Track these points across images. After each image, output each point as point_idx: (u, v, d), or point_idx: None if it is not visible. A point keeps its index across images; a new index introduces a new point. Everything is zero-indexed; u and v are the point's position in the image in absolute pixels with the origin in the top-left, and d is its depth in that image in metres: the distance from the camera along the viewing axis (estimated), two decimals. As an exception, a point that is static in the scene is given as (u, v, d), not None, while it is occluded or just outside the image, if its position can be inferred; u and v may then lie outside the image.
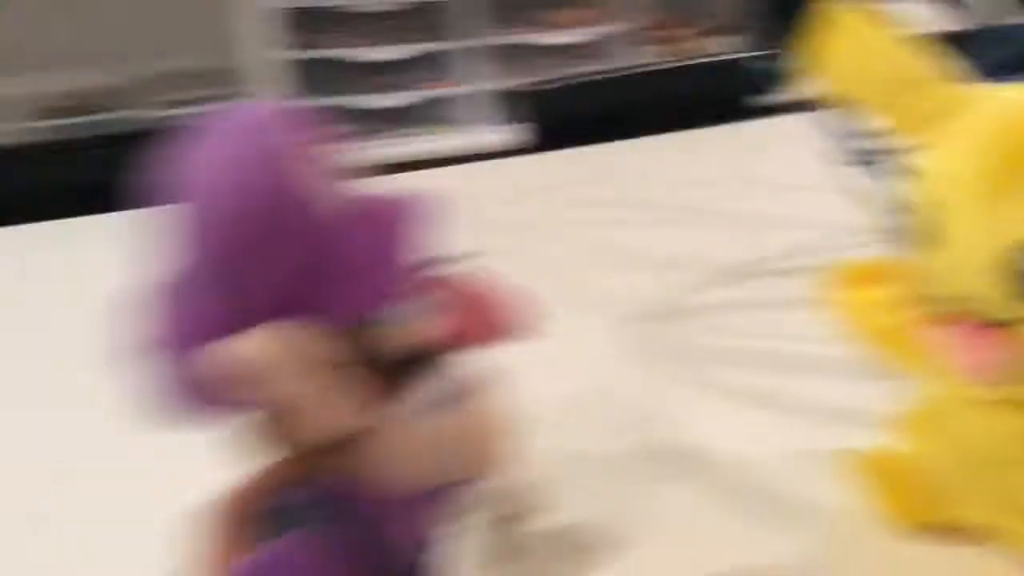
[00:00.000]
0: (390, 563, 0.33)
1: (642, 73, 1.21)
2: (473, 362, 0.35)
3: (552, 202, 0.95)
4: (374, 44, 2.66)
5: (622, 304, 0.69)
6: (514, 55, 2.72)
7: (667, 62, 1.31)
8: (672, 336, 0.64)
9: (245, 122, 0.30)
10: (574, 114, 1.19)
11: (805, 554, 0.42)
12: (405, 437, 0.31)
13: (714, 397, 0.56)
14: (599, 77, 1.19)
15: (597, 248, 0.81)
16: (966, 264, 0.33)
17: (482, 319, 0.35)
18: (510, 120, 1.28)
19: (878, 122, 0.38)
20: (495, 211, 0.91)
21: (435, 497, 0.34)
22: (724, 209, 0.88)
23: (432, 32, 2.72)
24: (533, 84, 1.24)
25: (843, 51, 0.37)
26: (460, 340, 0.33)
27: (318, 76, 2.56)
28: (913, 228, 0.35)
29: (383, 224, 0.31)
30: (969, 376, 0.35)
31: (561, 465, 0.49)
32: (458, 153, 1.73)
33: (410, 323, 0.31)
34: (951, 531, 0.41)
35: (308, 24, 2.57)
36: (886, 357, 0.41)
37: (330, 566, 0.31)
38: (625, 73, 1.21)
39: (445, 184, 0.98)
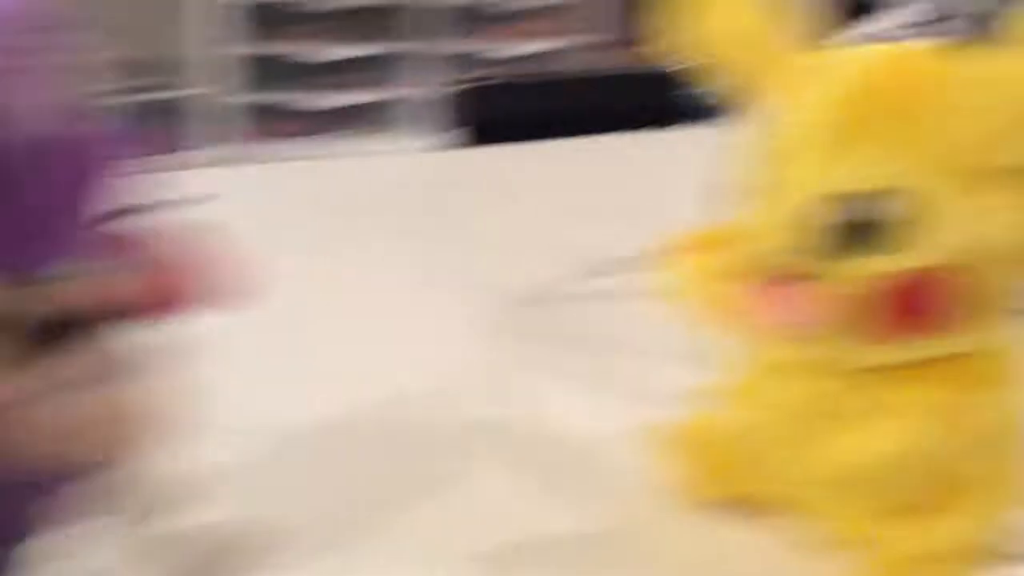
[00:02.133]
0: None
1: (580, 78, 1.22)
2: (161, 332, 0.30)
3: (462, 194, 0.95)
4: (327, 43, 2.65)
5: (499, 290, 0.70)
6: (471, 64, 2.72)
7: (607, 69, 1.32)
8: (537, 321, 0.65)
9: None
10: (508, 115, 1.20)
11: (595, 527, 0.44)
12: (31, 412, 0.26)
13: (560, 379, 0.57)
14: (536, 79, 1.20)
15: (494, 237, 0.82)
16: (784, 216, 0.34)
17: (171, 285, 0.29)
18: (452, 123, 1.28)
19: (735, 81, 0.39)
20: (409, 200, 0.92)
21: (53, 484, 0.29)
22: (625, 207, 0.89)
23: (388, 34, 2.72)
24: (470, 83, 1.24)
25: (703, 11, 0.37)
26: (138, 308, 0.28)
27: (267, 73, 2.54)
28: (750, 184, 0.36)
29: (75, 166, 0.26)
30: (773, 334, 0.36)
31: (392, 435, 0.50)
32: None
33: (75, 283, 0.26)
34: (753, 503, 0.42)
35: (264, 20, 2.55)
36: (716, 324, 0.41)
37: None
38: (564, 77, 1.22)
39: (366, 174, 0.99)
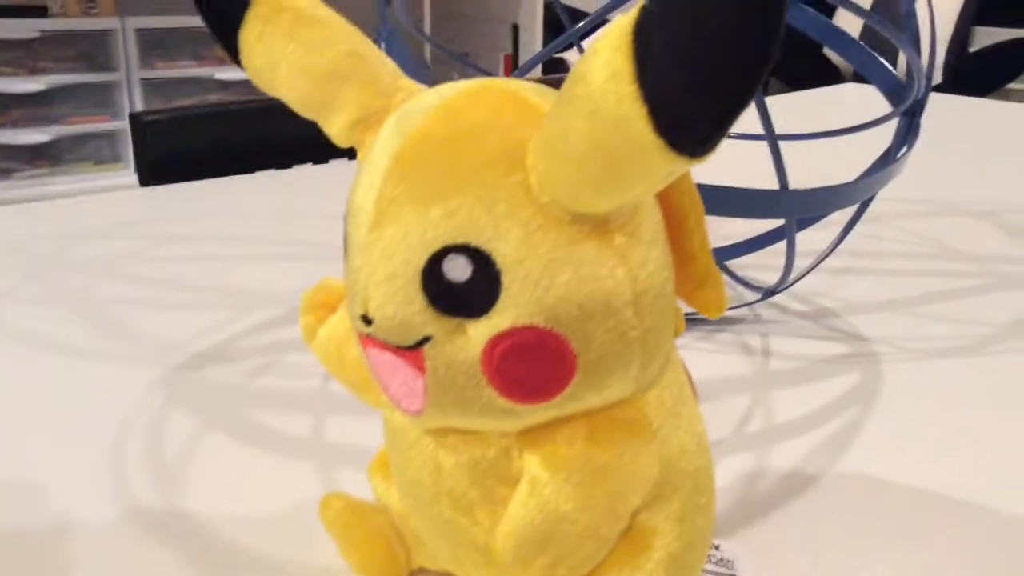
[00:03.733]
0: None
1: (260, 107, 1.15)
2: None
3: (138, 240, 0.86)
4: (14, 74, 2.41)
5: (178, 347, 0.62)
6: (176, 89, 2.57)
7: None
8: (219, 379, 0.58)
9: None
10: (183, 148, 1.11)
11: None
12: None
13: (238, 445, 0.50)
14: (210, 110, 1.12)
15: (168, 286, 0.74)
16: (374, 281, 0.29)
17: None
18: (134, 154, 1.17)
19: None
20: (80, 249, 0.82)
21: None
22: (319, 242, 0.84)
23: (87, 63, 2.51)
24: (145, 115, 1.14)
25: (260, 42, 0.32)
26: None
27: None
28: (343, 241, 0.31)
29: None
30: (398, 408, 0.31)
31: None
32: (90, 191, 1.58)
33: None
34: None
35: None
36: (350, 388, 0.36)
37: None
38: (242, 106, 1.14)
39: (34, 220, 0.87)
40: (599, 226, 0.28)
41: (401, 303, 0.28)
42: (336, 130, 0.32)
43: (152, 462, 0.49)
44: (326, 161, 1.17)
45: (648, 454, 0.31)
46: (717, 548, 0.39)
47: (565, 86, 0.25)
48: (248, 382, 0.58)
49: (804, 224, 0.71)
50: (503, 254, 0.27)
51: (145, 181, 1.05)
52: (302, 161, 1.18)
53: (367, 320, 0.29)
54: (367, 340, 0.30)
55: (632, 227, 0.29)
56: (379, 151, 0.30)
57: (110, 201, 1.00)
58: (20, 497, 0.45)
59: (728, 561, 0.39)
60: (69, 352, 0.62)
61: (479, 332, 0.28)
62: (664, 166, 0.24)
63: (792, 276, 0.62)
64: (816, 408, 0.54)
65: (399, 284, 0.28)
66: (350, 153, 1.14)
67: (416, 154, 0.29)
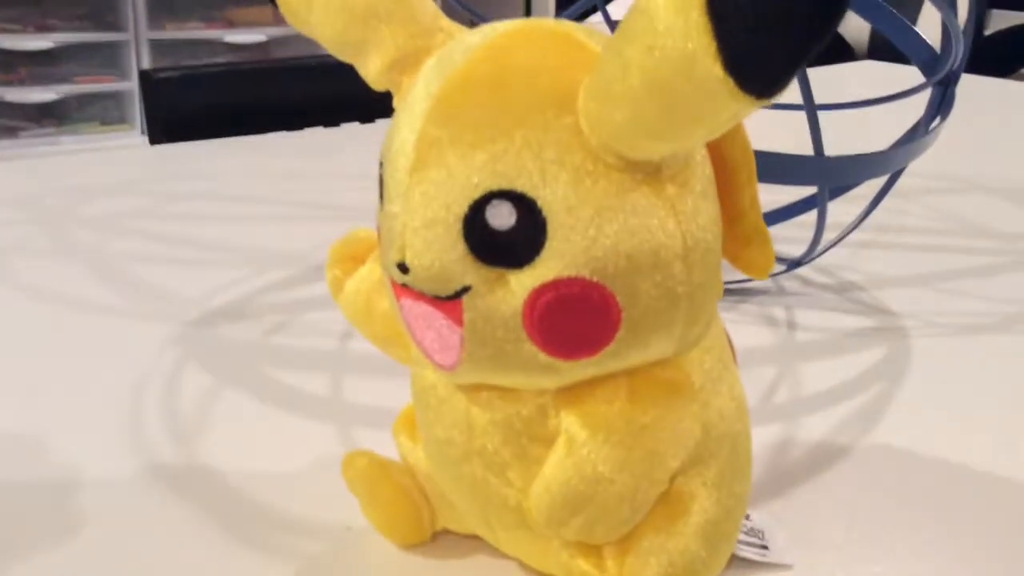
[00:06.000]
0: None
1: (277, 68, 1.13)
2: None
3: (148, 197, 0.85)
4: (22, 31, 2.39)
5: (193, 304, 0.61)
6: (184, 51, 2.54)
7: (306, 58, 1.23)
8: (235, 336, 0.57)
9: None
10: (193, 106, 1.09)
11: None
12: None
13: (256, 403, 0.49)
14: (221, 69, 1.10)
15: (179, 243, 0.73)
16: (412, 227, 0.28)
17: None
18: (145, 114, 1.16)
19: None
20: (91, 206, 0.81)
21: None
22: (333, 204, 0.83)
23: (95, 22, 2.49)
24: (155, 73, 1.12)
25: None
26: None
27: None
28: (378, 186, 0.30)
29: None
30: (432, 362, 0.30)
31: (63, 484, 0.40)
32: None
33: None
34: (455, 541, 0.37)
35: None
36: (379, 343, 0.35)
37: None
38: (252, 66, 1.13)
39: (45, 175, 0.86)
40: (651, 174, 0.27)
41: (441, 250, 0.27)
42: (373, 71, 0.31)
43: (168, 418, 0.48)
44: (337, 124, 1.16)
45: (690, 416, 0.30)
46: (748, 518, 0.38)
47: (624, 22, 0.24)
48: (265, 340, 0.57)
49: (833, 195, 0.70)
50: (550, 201, 0.26)
51: (155, 139, 1.04)
52: (312, 124, 1.16)
53: (403, 268, 0.28)
54: (401, 290, 0.29)
55: (684, 177, 0.28)
56: (420, 92, 0.28)
57: (120, 158, 0.99)
58: (33, 451, 0.45)
59: (759, 531, 0.38)
60: (83, 307, 0.61)
61: (522, 283, 0.27)
62: (729, 108, 0.23)
63: (819, 248, 0.61)
64: (843, 380, 0.53)
65: (439, 231, 0.27)
66: (360, 116, 1.12)
67: (460, 95, 0.28)
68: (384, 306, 0.33)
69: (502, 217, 0.26)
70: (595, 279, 0.26)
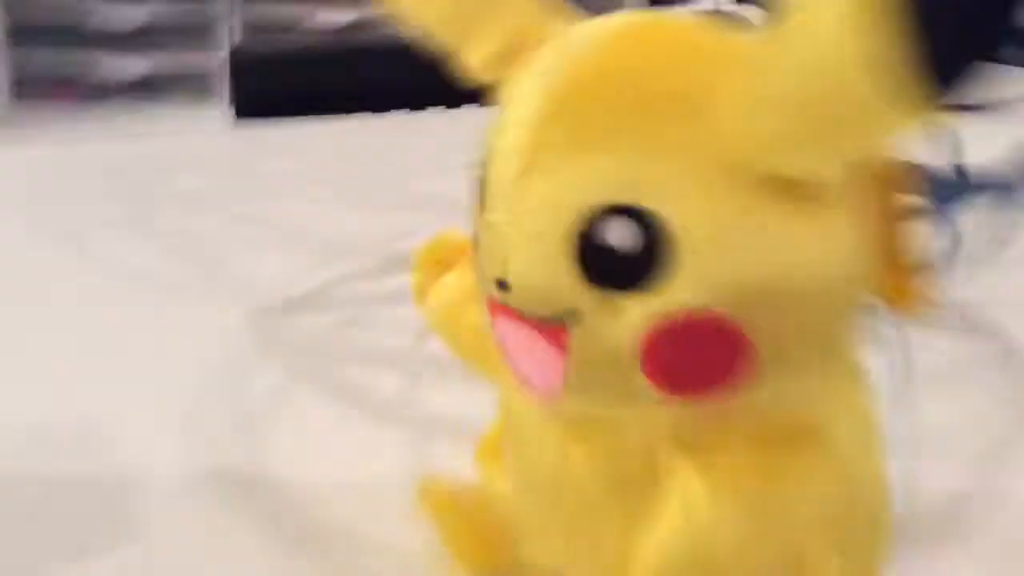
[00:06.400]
0: None
1: (360, 50, 1.11)
2: None
3: (231, 176, 0.84)
4: (118, 3, 2.42)
5: (267, 289, 0.59)
6: (274, 29, 2.55)
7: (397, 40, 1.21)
8: (308, 327, 0.55)
9: None
10: (281, 85, 1.08)
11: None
12: None
13: (326, 402, 0.47)
14: (309, 49, 1.08)
15: (259, 224, 0.71)
16: (517, 240, 0.24)
17: None
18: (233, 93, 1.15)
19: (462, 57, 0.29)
20: (174, 182, 0.80)
21: None
22: (415, 192, 0.80)
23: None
24: (245, 50, 1.11)
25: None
26: None
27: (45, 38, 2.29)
28: (476, 190, 0.27)
29: None
30: (529, 389, 0.27)
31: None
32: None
33: None
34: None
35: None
36: (466, 359, 0.32)
37: None
38: (342, 48, 1.11)
39: (132, 151, 0.86)
40: (794, 196, 0.23)
41: (547, 269, 0.24)
42: (478, 61, 0.28)
43: (233, 414, 0.46)
44: (422, 108, 1.13)
45: (831, 478, 0.26)
46: None
47: (777, 24, 0.21)
48: (338, 334, 0.54)
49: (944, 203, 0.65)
50: (677, 219, 0.23)
51: (241, 116, 1.03)
52: (398, 107, 1.14)
53: (503, 285, 0.25)
54: (498, 308, 0.26)
55: (830, 198, 0.24)
56: (530, 89, 0.25)
57: (206, 136, 0.98)
58: (94, 441, 0.43)
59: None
60: (157, 286, 0.59)
61: (638, 311, 0.23)
62: (888, 125, 0.20)
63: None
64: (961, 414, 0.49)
65: (547, 246, 0.24)
66: (446, 100, 1.10)
67: (578, 95, 0.24)
68: (473, 318, 0.30)
69: (620, 235, 0.23)
70: (725, 311, 0.23)
